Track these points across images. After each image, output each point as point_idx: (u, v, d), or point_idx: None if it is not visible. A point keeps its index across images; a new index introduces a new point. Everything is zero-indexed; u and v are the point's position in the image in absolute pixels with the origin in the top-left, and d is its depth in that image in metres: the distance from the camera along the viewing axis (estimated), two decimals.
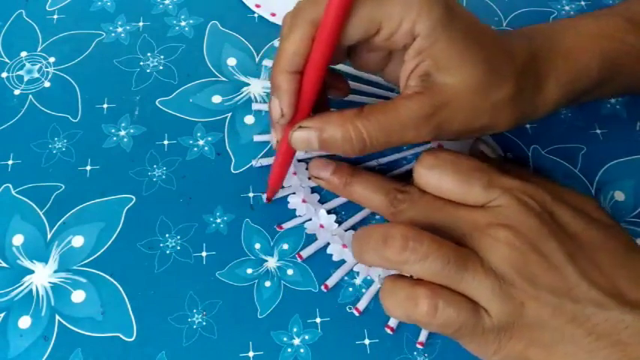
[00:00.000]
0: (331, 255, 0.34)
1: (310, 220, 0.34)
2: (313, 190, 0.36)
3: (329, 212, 0.35)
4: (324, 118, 0.30)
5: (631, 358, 0.25)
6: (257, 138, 0.38)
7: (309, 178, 0.36)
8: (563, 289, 0.26)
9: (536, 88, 0.32)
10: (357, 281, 0.33)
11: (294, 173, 0.36)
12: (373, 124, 0.29)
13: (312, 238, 0.34)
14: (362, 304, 0.32)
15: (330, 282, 0.33)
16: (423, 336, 0.31)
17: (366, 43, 0.30)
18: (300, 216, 0.35)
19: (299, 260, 0.33)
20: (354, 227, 0.35)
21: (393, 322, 0.32)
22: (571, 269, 0.26)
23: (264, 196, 0.35)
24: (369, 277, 0.33)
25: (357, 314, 0.32)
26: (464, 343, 0.28)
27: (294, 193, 0.35)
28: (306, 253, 0.33)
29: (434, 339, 0.31)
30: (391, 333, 0.31)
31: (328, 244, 0.34)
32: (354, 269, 0.33)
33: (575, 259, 0.27)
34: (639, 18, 0.34)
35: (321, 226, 0.34)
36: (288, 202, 0.35)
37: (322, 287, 0.33)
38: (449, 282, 0.26)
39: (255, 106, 0.39)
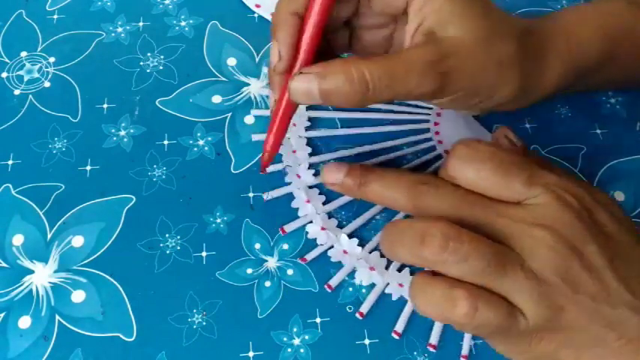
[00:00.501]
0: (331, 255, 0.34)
1: (332, 247, 0.34)
2: (330, 215, 0.35)
3: (350, 236, 0.34)
4: (325, 64, 0.28)
5: None
6: (255, 137, 0.38)
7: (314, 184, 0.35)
8: (603, 294, 0.25)
9: (537, 60, 0.31)
10: (357, 281, 0.33)
11: (308, 201, 0.35)
12: (377, 66, 0.28)
13: (313, 240, 0.34)
14: (365, 308, 0.32)
15: (333, 282, 0.33)
16: (434, 338, 0.31)
17: (367, 13, 0.30)
18: (321, 245, 0.34)
19: (302, 263, 0.33)
20: (377, 248, 0.34)
21: (399, 327, 0.32)
22: (610, 274, 0.26)
23: (261, 165, 0.33)
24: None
25: (360, 318, 0.32)
26: (493, 343, 0.27)
27: (311, 222, 0.34)
28: (310, 256, 0.33)
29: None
30: (397, 338, 0.31)
31: (355, 269, 0.33)
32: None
33: (613, 264, 0.26)
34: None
35: (345, 252, 0.33)
36: (307, 232, 0.34)
37: (326, 287, 0.33)
38: (488, 283, 0.25)
39: (255, 112, 0.39)
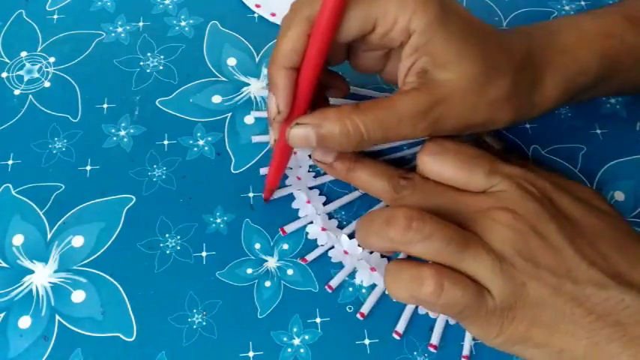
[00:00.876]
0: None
1: (333, 247, 0.34)
2: (330, 216, 0.35)
3: (350, 237, 0.34)
4: (321, 114, 0.30)
5: (631, 337, 0.26)
6: (255, 139, 0.38)
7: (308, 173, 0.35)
8: (563, 269, 0.27)
9: (534, 85, 0.32)
10: (357, 281, 0.33)
11: (308, 201, 0.35)
12: (370, 118, 0.29)
13: (313, 240, 0.34)
14: (366, 308, 0.32)
15: (334, 283, 0.33)
16: (435, 338, 0.31)
17: (363, 42, 0.30)
18: (322, 245, 0.34)
19: (303, 264, 0.33)
20: None
21: (400, 328, 0.32)
22: (570, 251, 0.27)
23: (264, 196, 0.35)
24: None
25: (361, 319, 0.32)
26: (467, 326, 0.28)
27: (311, 222, 0.35)
28: (310, 257, 0.33)
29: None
30: (398, 338, 0.31)
31: (355, 269, 0.33)
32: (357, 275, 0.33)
33: (574, 241, 0.28)
34: (638, 16, 0.34)
35: (346, 252, 0.33)
36: (307, 233, 0.34)
37: (326, 288, 0.33)
38: (451, 261, 0.27)
39: (255, 114, 0.39)
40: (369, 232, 0.28)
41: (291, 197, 0.35)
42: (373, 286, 0.33)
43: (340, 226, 0.35)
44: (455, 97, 0.29)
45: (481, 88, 0.30)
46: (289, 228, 0.34)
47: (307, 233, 0.34)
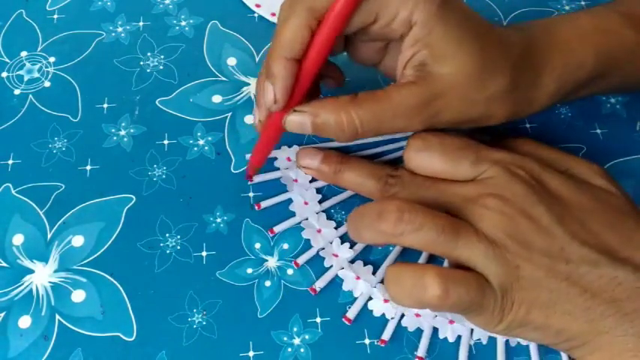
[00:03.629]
0: None
1: (324, 249, 0.34)
2: (329, 216, 0.35)
3: (344, 239, 0.34)
4: (318, 103, 0.30)
5: (626, 312, 0.26)
6: (248, 119, 0.38)
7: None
8: (555, 249, 0.27)
9: (532, 80, 0.32)
10: (344, 288, 0.33)
11: (306, 203, 0.35)
12: (366, 111, 0.29)
13: (303, 236, 0.34)
14: (352, 314, 0.32)
15: (318, 285, 0.33)
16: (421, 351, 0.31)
17: (364, 33, 0.30)
18: (313, 247, 0.34)
19: (296, 267, 0.33)
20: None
21: (386, 335, 0.31)
22: (561, 230, 0.27)
23: (247, 174, 0.36)
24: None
25: (348, 323, 0.32)
26: (470, 318, 0.28)
27: (306, 219, 0.34)
28: (302, 260, 0.33)
29: (434, 340, 0.32)
30: (382, 345, 0.31)
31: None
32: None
33: (564, 221, 0.28)
34: (635, 12, 0.35)
35: (335, 255, 0.33)
36: (303, 232, 0.34)
37: (309, 290, 0.32)
38: (443, 250, 0.27)
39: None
40: (361, 226, 0.28)
41: (290, 198, 0.35)
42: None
43: (339, 227, 0.34)
44: (452, 92, 0.30)
45: (479, 83, 0.30)
46: (278, 228, 0.34)
47: (301, 230, 0.34)
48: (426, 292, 0.26)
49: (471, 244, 0.27)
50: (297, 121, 0.30)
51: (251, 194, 0.36)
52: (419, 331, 0.32)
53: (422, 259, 0.34)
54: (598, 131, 0.39)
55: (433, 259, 0.34)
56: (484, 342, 0.31)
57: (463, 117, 0.31)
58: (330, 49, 0.29)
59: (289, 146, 0.37)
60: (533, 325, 0.27)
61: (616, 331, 0.26)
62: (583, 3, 0.46)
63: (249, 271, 0.33)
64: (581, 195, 0.29)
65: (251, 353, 0.31)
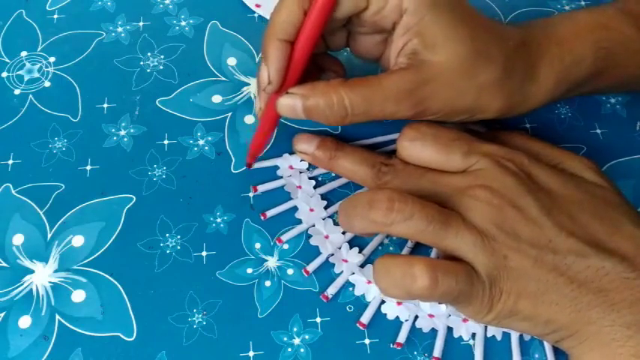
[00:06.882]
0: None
1: (333, 255, 0.33)
2: (335, 222, 0.35)
3: (352, 243, 0.34)
4: (310, 85, 0.31)
5: (613, 303, 0.26)
6: (248, 119, 0.38)
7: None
8: (543, 240, 0.27)
9: (527, 73, 0.32)
10: (356, 292, 0.33)
11: (312, 210, 0.34)
12: (356, 93, 0.30)
13: (311, 243, 0.34)
14: (366, 318, 0.32)
15: (329, 292, 0.32)
16: (401, 337, 0.31)
17: (358, 21, 0.31)
18: (322, 253, 0.33)
19: (306, 275, 0.33)
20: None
21: (401, 338, 0.31)
22: (549, 222, 0.28)
23: (247, 162, 0.36)
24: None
25: (362, 328, 0.32)
26: (460, 308, 0.29)
27: (312, 227, 0.34)
28: (311, 267, 0.33)
29: (434, 340, 0.31)
30: (398, 348, 0.31)
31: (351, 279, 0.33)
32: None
33: (552, 213, 0.28)
34: (634, 9, 0.35)
35: (345, 260, 0.33)
36: (309, 238, 0.34)
37: (322, 298, 0.32)
38: (433, 239, 0.27)
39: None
40: (352, 215, 0.29)
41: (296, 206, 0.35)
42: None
43: (346, 232, 0.34)
44: (441, 78, 0.30)
45: (469, 71, 0.30)
46: (286, 236, 0.34)
47: (309, 237, 0.34)
48: (415, 282, 0.26)
49: (460, 234, 0.27)
50: (289, 103, 0.31)
51: (251, 194, 0.36)
52: (419, 331, 0.32)
53: (405, 253, 0.34)
54: (598, 131, 0.39)
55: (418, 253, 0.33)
56: (499, 338, 0.31)
57: (453, 106, 0.31)
58: (321, 30, 0.29)
59: (290, 154, 0.37)
60: (521, 315, 0.27)
61: (603, 321, 0.26)
62: (583, 3, 0.46)
63: (249, 271, 0.33)
64: (569, 187, 0.30)
65: (251, 353, 0.31)
